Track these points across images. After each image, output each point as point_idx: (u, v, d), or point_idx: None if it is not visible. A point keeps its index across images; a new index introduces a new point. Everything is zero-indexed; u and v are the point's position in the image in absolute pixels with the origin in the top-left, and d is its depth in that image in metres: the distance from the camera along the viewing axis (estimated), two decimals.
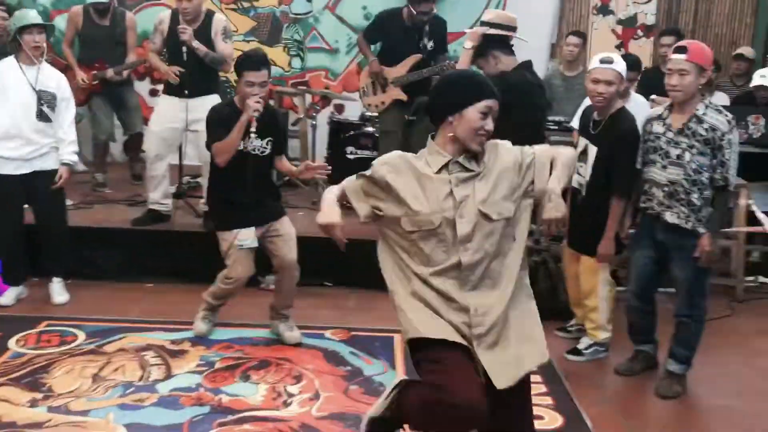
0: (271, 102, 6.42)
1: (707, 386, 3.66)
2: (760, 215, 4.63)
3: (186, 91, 4.69)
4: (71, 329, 3.91)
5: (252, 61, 3.57)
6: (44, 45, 4.05)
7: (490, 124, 2.37)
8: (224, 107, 3.75)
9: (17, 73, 4.02)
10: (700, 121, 3.29)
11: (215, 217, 3.88)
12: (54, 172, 4.14)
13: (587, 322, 3.87)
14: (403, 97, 5.04)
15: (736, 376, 3.81)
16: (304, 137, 6.12)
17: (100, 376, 3.42)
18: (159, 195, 4.91)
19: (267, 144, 3.71)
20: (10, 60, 4.08)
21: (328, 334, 4.01)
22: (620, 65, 3.54)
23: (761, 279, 5.28)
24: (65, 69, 5.19)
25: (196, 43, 4.57)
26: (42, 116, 4.05)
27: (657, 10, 6.71)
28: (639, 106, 4.16)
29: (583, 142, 3.71)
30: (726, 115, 3.29)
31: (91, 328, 3.93)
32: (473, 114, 2.36)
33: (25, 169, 4.08)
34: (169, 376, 3.45)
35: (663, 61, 5.53)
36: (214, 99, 4.66)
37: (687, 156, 3.31)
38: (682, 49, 3.30)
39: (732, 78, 5.82)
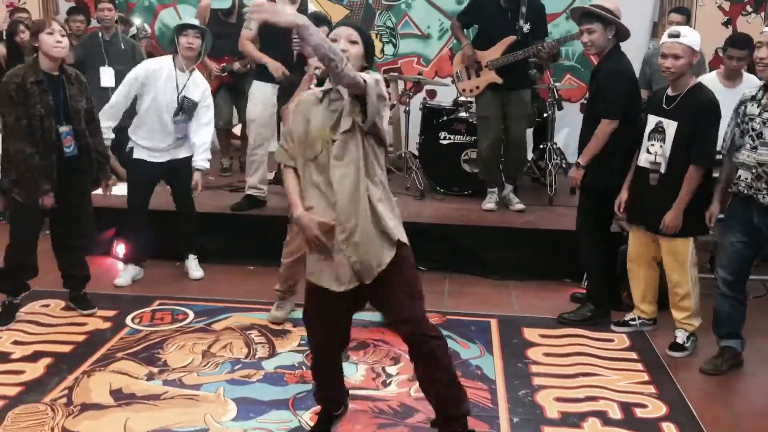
0: None
1: None
2: None
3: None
4: (181, 308, 4.13)
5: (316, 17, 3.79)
6: (198, 48, 4.27)
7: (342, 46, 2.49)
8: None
9: (170, 74, 4.27)
10: None
11: None
12: (189, 158, 4.39)
13: (678, 311, 3.72)
14: (498, 80, 4.99)
15: None
16: (397, 124, 6.18)
17: (210, 353, 3.60)
18: (257, 180, 5.07)
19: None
20: (168, 59, 4.33)
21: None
22: (689, 38, 3.46)
23: None
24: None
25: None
26: (179, 119, 4.29)
27: None
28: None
29: (653, 119, 3.62)
30: None
31: (200, 307, 4.14)
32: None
33: (162, 158, 4.36)
34: (273, 354, 3.60)
35: None
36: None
37: None
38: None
39: None
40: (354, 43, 2.54)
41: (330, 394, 2.95)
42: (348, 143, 2.50)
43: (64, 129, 3.68)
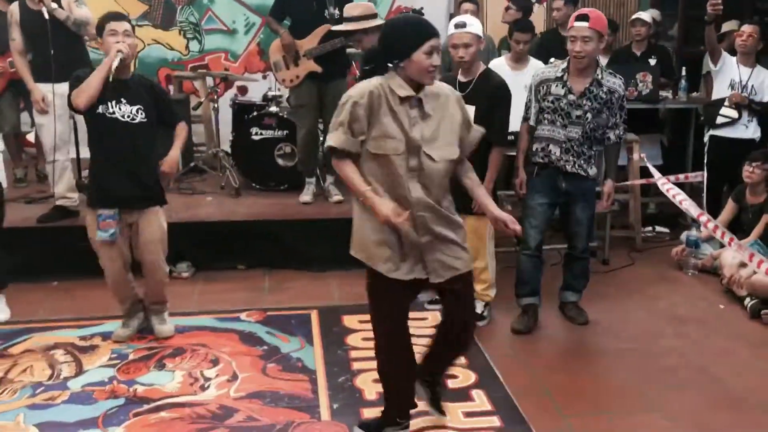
0: (170, 87, 6.29)
1: (610, 332, 3.89)
2: (652, 168, 4.91)
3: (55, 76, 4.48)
4: None
5: (112, 14, 3.56)
6: None
7: (437, 60, 2.47)
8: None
9: None
10: (599, 84, 3.62)
11: (87, 193, 3.69)
12: None
13: (478, 284, 3.94)
14: (317, 68, 4.98)
15: (635, 321, 4.04)
16: (208, 121, 6.03)
17: (7, 379, 3.31)
18: (64, 188, 4.72)
19: (137, 112, 3.50)
20: None
21: (243, 316, 4.00)
22: (475, 27, 3.68)
23: (658, 228, 5.59)
24: None
25: (55, 9, 4.39)
26: None
27: None
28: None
29: None
30: (619, 78, 3.69)
31: None
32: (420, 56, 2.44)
33: None
34: (80, 372, 3.38)
35: (560, 25, 5.70)
36: None
37: (588, 116, 3.62)
38: (584, 17, 3.55)
39: (632, 43, 5.99)
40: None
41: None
42: None
43: None
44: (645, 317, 4.09)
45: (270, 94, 5.67)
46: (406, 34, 2.48)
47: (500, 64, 4.70)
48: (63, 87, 4.53)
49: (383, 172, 2.50)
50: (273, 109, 5.52)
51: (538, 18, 6.70)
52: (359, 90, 2.49)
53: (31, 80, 4.56)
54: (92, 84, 3.40)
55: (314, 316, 4.04)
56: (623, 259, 4.99)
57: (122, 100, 3.47)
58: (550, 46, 5.52)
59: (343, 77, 5.20)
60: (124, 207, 3.53)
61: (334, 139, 2.48)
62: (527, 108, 3.88)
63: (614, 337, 3.82)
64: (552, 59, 4.84)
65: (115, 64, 3.39)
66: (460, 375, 3.36)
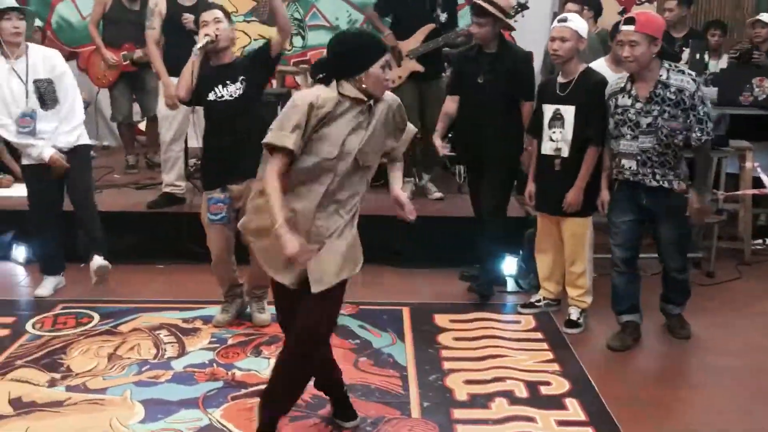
0: (273, 81, 6.45)
1: (714, 347, 3.72)
2: (765, 178, 4.65)
3: None
4: (86, 311, 3.99)
5: (203, 6, 3.75)
6: (23, 33, 3.93)
7: (389, 74, 2.55)
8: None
9: (4, 69, 3.92)
10: (665, 86, 3.38)
11: (200, 176, 3.85)
12: (79, 148, 4.09)
13: (574, 289, 3.89)
14: (420, 68, 5.00)
15: (742, 337, 3.85)
16: None
17: (116, 355, 3.50)
18: (173, 177, 4.95)
19: (241, 83, 3.57)
20: None
21: (267, 312, 4.01)
22: (576, 23, 3.63)
23: None
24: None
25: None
26: (46, 105, 3.99)
27: None
28: None
29: (550, 108, 3.76)
30: (689, 74, 3.40)
31: (105, 309, 4.02)
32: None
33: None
34: (183, 353, 3.53)
35: (672, 27, 5.50)
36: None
37: (660, 122, 3.38)
38: (630, 20, 3.37)
39: (752, 45, 5.70)
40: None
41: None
42: None
43: None
44: (752, 334, 3.89)
45: None
46: (364, 48, 2.51)
47: (600, 66, 4.56)
48: None
49: (307, 171, 2.51)
50: None
51: None
52: (315, 95, 2.47)
53: (165, 73, 4.65)
54: (184, 74, 3.56)
55: (406, 312, 4.06)
56: (730, 272, 4.75)
57: (227, 82, 3.59)
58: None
59: (441, 77, 5.20)
60: (232, 183, 3.60)
61: (288, 140, 2.43)
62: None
63: (718, 353, 3.65)
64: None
65: (200, 44, 3.52)
66: (554, 382, 3.30)
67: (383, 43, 2.63)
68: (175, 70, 4.76)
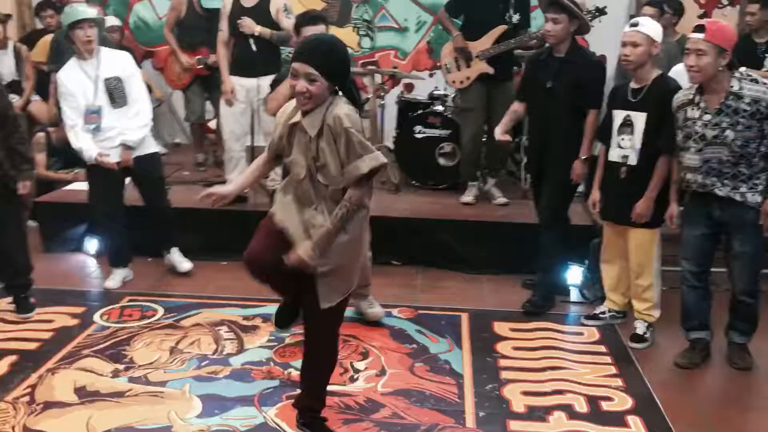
0: None
1: None
2: None
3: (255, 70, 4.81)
4: (151, 304, 4.09)
5: (308, 18, 3.68)
6: (96, 39, 4.08)
7: (300, 87, 2.43)
8: None
9: (78, 74, 4.09)
10: (738, 97, 3.21)
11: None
12: (151, 155, 4.26)
13: (640, 303, 3.75)
14: (490, 70, 4.92)
15: None
16: (373, 117, 6.14)
17: (178, 349, 3.58)
18: (236, 176, 5.03)
19: None
20: (71, 63, 4.12)
21: (395, 312, 4.05)
22: (648, 27, 3.49)
23: None
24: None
25: (259, 30, 4.72)
26: (115, 102, 4.13)
27: None
28: None
29: (620, 114, 3.62)
30: (764, 83, 3.22)
31: (169, 303, 4.11)
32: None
33: (115, 158, 4.13)
34: (241, 350, 3.58)
35: (754, 31, 5.27)
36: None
37: (730, 134, 3.21)
38: (700, 28, 3.21)
39: None
40: (313, 81, 2.42)
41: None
42: None
43: None
44: None
45: (436, 92, 5.69)
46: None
47: (680, 71, 4.39)
48: (249, 81, 4.87)
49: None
50: (438, 108, 5.54)
51: (730, 22, 6.19)
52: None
53: (226, 72, 4.86)
54: (282, 93, 3.55)
55: (464, 318, 4.01)
56: None
57: None
58: (742, 54, 5.07)
59: (511, 79, 5.11)
60: None
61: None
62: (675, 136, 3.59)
63: None
64: (743, 69, 4.45)
65: None
66: (616, 398, 3.19)
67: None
68: (232, 69, 4.90)
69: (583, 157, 3.86)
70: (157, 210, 4.43)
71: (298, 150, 2.58)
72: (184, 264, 4.53)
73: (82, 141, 4.10)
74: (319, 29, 3.62)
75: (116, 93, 4.13)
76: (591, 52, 4.17)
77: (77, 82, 4.09)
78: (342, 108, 2.47)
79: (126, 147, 4.16)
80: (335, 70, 2.46)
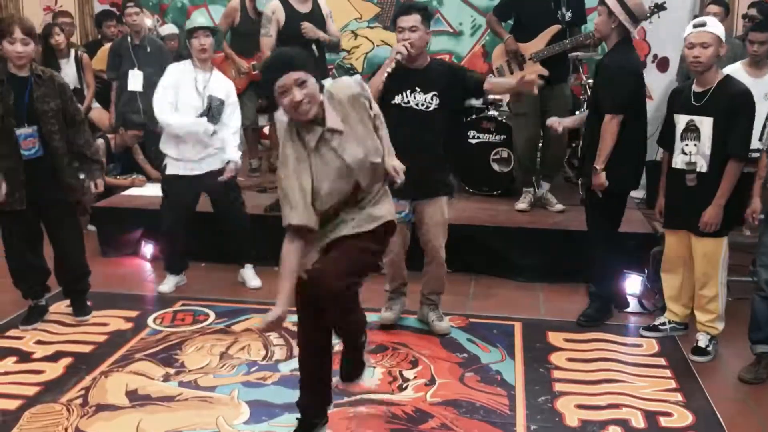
0: None
1: None
2: None
3: None
4: (203, 309, 4.13)
5: (404, 8, 3.56)
6: (210, 48, 4.20)
7: (297, 95, 2.46)
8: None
9: (190, 77, 4.22)
10: None
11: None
12: (221, 171, 4.29)
13: (704, 314, 3.58)
14: (544, 72, 4.71)
15: None
16: None
17: (228, 354, 3.59)
18: None
19: (432, 99, 3.51)
20: (187, 63, 4.28)
21: (446, 320, 3.98)
22: (714, 27, 3.35)
23: None
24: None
25: (322, 35, 4.72)
26: (212, 119, 4.22)
27: None
28: None
29: (684, 119, 3.47)
30: None
31: (221, 308, 4.14)
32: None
33: (196, 171, 4.24)
34: (290, 356, 3.56)
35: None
36: (326, 82, 4.74)
37: None
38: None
39: None
40: (302, 83, 2.47)
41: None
42: None
43: (22, 131, 3.56)
44: None
45: (490, 97, 5.59)
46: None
47: (736, 70, 4.18)
48: None
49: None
50: (492, 113, 5.44)
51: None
52: None
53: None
54: (374, 84, 3.49)
55: (518, 328, 3.91)
56: None
57: (417, 88, 3.53)
58: None
59: (566, 81, 4.98)
60: (409, 197, 3.57)
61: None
62: (764, 128, 3.42)
63: None
64: None
65: (391, 68, 3.45)
66: (676, 414, 3.05)
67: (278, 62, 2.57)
68: None
69: (599, 167, 3.65)
70: (231, 224, 4.46)
71: (326, 176, 2.58)
72: (254, 281, 4.52)
73: (173, 118, 4.20)
74: (413, 19, 3.49)
75: (215, 111, 4.23)
76: (629, 54, 3.74)
77: (185, 82, 4.20)
78: (335, 87, 2.65)
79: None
80: (313, 65, 2.57)
